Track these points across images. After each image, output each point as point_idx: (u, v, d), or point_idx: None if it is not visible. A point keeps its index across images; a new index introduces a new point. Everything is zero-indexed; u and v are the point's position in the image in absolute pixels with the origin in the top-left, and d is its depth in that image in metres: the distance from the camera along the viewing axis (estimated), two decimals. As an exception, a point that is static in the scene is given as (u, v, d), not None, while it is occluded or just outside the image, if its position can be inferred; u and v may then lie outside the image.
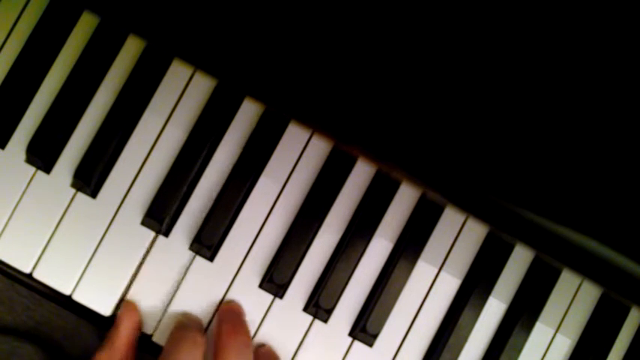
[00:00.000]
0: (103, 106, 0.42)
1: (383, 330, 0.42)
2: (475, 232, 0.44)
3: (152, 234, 0.42)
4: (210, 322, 0.42)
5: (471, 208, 0.41)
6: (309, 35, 0.39)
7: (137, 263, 0.42)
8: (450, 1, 0.38)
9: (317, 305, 0.42)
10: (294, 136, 0.43)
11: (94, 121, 0.42)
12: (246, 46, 0.39)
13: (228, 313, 0.41)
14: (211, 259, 0.42)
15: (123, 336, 0.39)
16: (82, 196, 0.42)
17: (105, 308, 0.41)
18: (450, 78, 0.39)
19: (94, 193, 0.42)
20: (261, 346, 0.42)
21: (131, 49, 0.43)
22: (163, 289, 0.42)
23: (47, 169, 0.42)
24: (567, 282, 0.44)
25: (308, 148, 0.43)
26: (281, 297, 0.42)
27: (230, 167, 0.42)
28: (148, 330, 0.42)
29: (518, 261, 0.44)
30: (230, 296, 0.42)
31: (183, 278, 0.42)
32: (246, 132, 0.43)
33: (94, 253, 0.41)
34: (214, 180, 0.42)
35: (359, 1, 0.39)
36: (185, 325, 0.39)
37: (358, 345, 0.43)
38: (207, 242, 0.41)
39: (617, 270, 0.39)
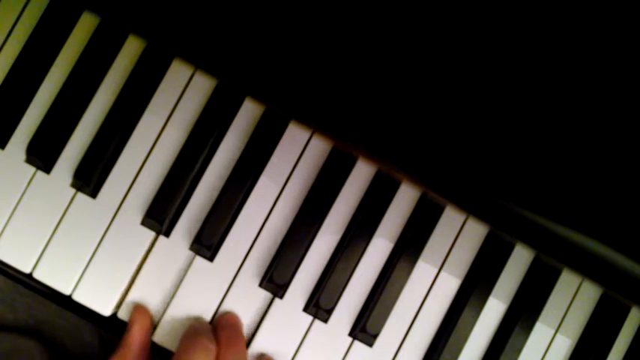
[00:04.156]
0: (103, 106, 0.42)
1: (383, 330, 0.42)
2: (475, 232, 0.44)
3: (152, 234, 0.42)
4: (209, 323, 0.42)
5: (471, 208, 0.41)
6: (309, 35, 0.39)
7: (137, 263, 0.42)
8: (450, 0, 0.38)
9: (317, 305, 0.42)
10: (294, 136, 0.43)
11: (94, 121, 0.42)
12: (246, 46, 0.39)
13: (226, 323, 0.41)
14: (211, 259, 0.42)
15: (136, 340, 0.40)
16: (82, 196, 0.42)
17: (105, 308, 0.41)
18: (449, 79, 0.39)
19: (94, 193, 0.42)
20: (261, 356, 0.42)
21: (131, 49, 0.42)
22: (163, 289, 0.42)
23: (47, 169, 0.42)
24: (567, 282, 0.44)
25: (308, 148, 0.43)
26: (281, 297, 0.42)
27: (230, 167, 0.42)
28: (148, 330, 0.42)
29: (518, 261, 0.44)
30: (230, 296, 0.42)
31: (183, 278, 0.42)
32: (246, 132, 0.43)
33: (94, 253, 0.41)
34: (214, 180, 0.42)
35: (359, 1, 0.39)
36: (197, 330, 0.39)
37: (358, 345, 0.43)
38: (207, 242, 0.41)
39: (617, 270, 0.39)
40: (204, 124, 0.42)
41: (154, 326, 0.42)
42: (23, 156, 0.42)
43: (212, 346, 0.38)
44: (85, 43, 0.42)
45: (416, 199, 0.43)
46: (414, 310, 0.43)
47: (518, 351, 0.43)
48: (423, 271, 0.43)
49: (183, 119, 0.42)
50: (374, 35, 0.39)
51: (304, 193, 0.43)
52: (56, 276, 0.41)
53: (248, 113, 0.43)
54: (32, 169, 0.42)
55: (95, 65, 0.42)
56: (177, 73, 0.42)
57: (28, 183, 0.42)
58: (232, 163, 0.42)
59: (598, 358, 0.44)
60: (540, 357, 0.44)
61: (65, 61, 0.42)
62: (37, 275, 0.41)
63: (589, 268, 0.41)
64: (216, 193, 0.42)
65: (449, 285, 0.43)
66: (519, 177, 0.39)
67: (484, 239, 0.44)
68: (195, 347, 0.37)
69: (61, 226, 0.41)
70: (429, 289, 0.43)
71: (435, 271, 0.43)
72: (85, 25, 0.43)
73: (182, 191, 0.42)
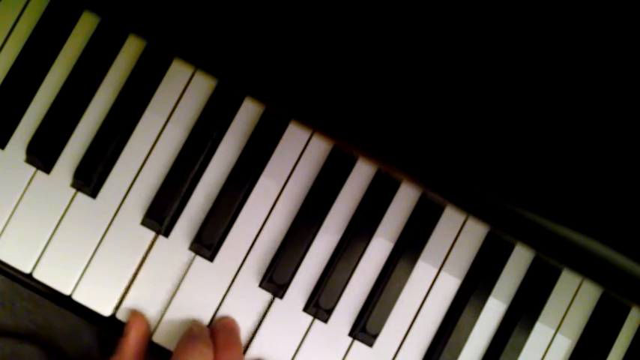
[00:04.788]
0: (103, 105, 0.42)
1: (383, 330, 0.42)
2: (475, 232, 0.44)
3: (152, 234, 0.42)
4: (209, 323, 0.42)
5: (471, 208, 0.41)
6: (308, 35, 0.39)
7: (137, 263, 0.42)
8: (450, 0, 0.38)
9: (317, 305, 0.42)
10: (294, 136, 0.43)
11: (94, 121, 0.42)
12: (246, 46, 0.39)
13: (222, 328, 0.41)
14: (211, 259, 0.42)
15: (132, 346, 0.40)
16: (82, 196, 0.42)
17: (105, 308, 0.41)
18: (449, 78, 0.39)
19: (94, 193, 0.42)
20: None
21: (131, 49, 0.43)
22: (163, 289, 0.42)
23: (47, 169, 0.42)
24: (567, 282, 0.44)
25: (308, 148, 0.43)
26: (281, 297, 0.42)
27: (230, 167, 0.42)
28: (148, 330, 0.42)
29: (518, 261, 0.44)
30: (230, 296, 0.42)
31: (183, 278, 0.42)
32: (246, 132, 0.43)
33: (94, 253, 0.41)
34: (214, 180, 0.42)
35: (358, 1, 0.39)
36: (195, 334, 0.39)
37: (358, 345, 0.43)
38: (207, 242, 0.41)
39: (617, 270, 0.39)
40: (205, 123, 0.42)
41: (154, 326, 0.41)
42: (23, 156, 0.42)
43: (208, 351, 0.38)
44: (85, 43, 0.42)
45: (416, 199, 0.43)
46: (414, 310, 0.43)
47: (518, 351, 0.43)
48: (423, 271, 0.43)
49: (183, 119, 0.42)
50: (373, 35, 0.39)
51: (304, 193, 0.43)
52: (56, 276, 0.41)
53: (248, 113, 0.43)
54: (32, 169, 0.42)
55: (95, 65, 0.42)
56: (177, 73, 0.42)
57: (28, 183, 0.42)
58: (232, 163, 0.42)
59: (598, 358, 0.44)
60: (540, 357, 0.44)
61: (65, 61, 0.42)
62: (37, 275, 0.41)
63: (589, 268, 0.41)
64: (216, 193, 0.42)
65: (449, 285, 0.43)
66: (519, 177, 0.39)
67: (484, 239, 0.44)
68: (192, 352, 0.37)
69: (61, 226, 0.41)
70: (429, 289, 0.43)
71: (435, 271, 0.43)
72: (85, 25, 0.43)
73: (182, 191, 0.42)
